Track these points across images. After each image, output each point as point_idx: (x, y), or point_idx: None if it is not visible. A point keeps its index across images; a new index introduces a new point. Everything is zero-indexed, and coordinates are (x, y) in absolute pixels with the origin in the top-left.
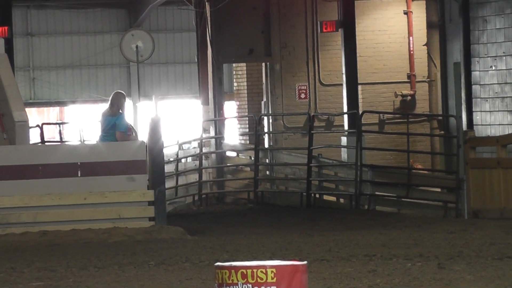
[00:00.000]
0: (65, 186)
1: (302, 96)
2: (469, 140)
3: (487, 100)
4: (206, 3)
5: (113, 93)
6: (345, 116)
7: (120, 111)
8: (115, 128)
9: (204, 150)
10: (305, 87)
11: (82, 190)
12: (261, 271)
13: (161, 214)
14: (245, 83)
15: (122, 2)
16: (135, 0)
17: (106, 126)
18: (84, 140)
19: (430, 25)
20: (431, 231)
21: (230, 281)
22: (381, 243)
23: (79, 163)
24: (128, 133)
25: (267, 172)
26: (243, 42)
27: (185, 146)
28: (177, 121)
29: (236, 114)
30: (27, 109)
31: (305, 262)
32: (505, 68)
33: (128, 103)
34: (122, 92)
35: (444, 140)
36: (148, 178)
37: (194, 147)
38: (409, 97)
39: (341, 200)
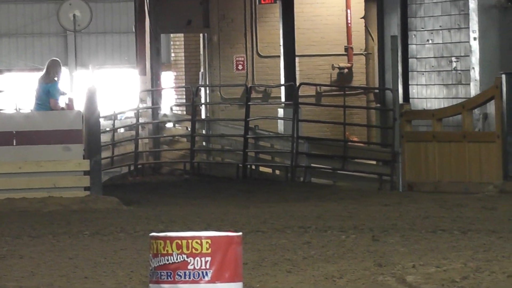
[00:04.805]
0: (0, 155)
1: (240, 67)
2: (405, 114)
3: (423, 74)
4: None
5: (49, 60)
6: (282, 88)
7: (56, 78)
8: (49, 95)
9: (141, 120)
10: (242, 58)
11: (17, 159)
12: (196, 242)
13: (96, 184)
14: (183, 54)
15: None
16: None
17: (41, 93)
18: (19, 109)
19: None
20: (366, 203)
21: (165, 252)
22: (316, 215)
23: (14, 132)
24: (68, 103)
25: (204, 143)
26: (182, 12)
27: (119, 116)
28: (114, 91)
29: (173, 85)
30: None
31: (240, 234)
32: (441, 42)
33: (64, 72)
34: (58, 60)
35: (380, 113)
36: (84, 147)
37: (128, 117)
38: (346, 70)
39: (277, 172)
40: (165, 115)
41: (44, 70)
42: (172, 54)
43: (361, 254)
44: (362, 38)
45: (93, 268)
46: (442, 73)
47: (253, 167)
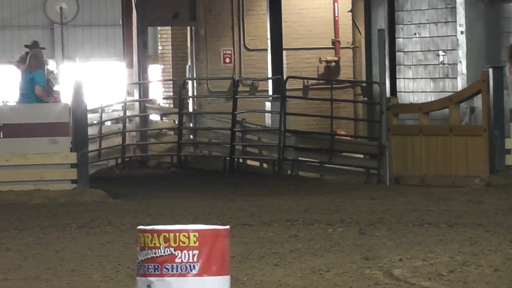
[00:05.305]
0: None
1: (227, 60)
2: (392, 107)
3: (410, 67)
4: None
5: (31, 50)
6: (270, 81)
7: (40, 67)
8: (34, 82)
9: (128, 113)
10: (229, 51)
11: (4, 152)
12: (184, 235)
13: (83, 177)
14: (170, 47)
15: None
16: None
17: (26, 82)
18: (6, 101)
19: None
20: (353, 197)
21: (152, 245)
22: (303, 209)
23: (1, 124)
24: (55, 95)
25: (191, 136)
26: (168, 5)
27: (106, 109)
28: (101, 83)
29: (161, 78)
30: None
31: (227, 227)
32: (428, 35)
33: (51, 64)
34: (40, 49)
35: (367, 107)
36: (71, 140)
37: (115, 110)
38: (333, 63)
39: (264, 165)
40: (148, 102)
41: (27, 61)
42: (159, 47)
43: (348, 248)
44: (349, 32)
45: (80, 261)
46: (429, 66)
47: (241, 160)
